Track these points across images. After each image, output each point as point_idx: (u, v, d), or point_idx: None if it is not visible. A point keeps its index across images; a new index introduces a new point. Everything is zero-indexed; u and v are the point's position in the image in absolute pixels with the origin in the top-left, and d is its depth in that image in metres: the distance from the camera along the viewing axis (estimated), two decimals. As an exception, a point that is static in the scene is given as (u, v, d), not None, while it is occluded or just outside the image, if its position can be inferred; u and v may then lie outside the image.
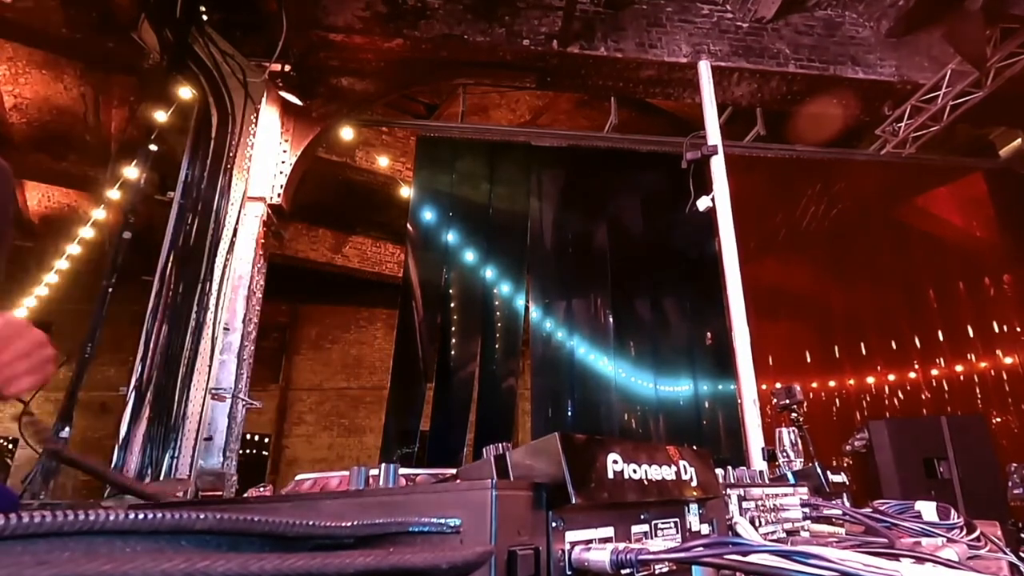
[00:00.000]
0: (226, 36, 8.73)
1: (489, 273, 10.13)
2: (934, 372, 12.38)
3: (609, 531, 1.02)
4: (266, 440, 21.17)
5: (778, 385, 3.94)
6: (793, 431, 3.12)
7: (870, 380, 13.09)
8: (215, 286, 8.05)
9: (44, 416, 17.18)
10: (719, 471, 1.61)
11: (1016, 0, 8.33)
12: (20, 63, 11.11)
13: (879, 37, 9.87)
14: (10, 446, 17.94)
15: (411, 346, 9.54)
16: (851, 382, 13.26)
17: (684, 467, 1.20)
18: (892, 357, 12.72)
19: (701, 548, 0.91)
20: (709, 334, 10.05)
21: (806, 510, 1.87)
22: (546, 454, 0.97)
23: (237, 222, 8.38)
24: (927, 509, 2.01)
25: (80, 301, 14.80)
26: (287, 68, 8.88)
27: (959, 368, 12.19)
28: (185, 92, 8.93)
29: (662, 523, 1.13)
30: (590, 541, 0.97)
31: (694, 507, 1.23)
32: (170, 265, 8.00)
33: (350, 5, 8.87)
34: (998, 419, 11.31)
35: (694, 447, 1.28)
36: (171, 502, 1.64)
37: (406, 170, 13.70)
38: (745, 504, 1.61)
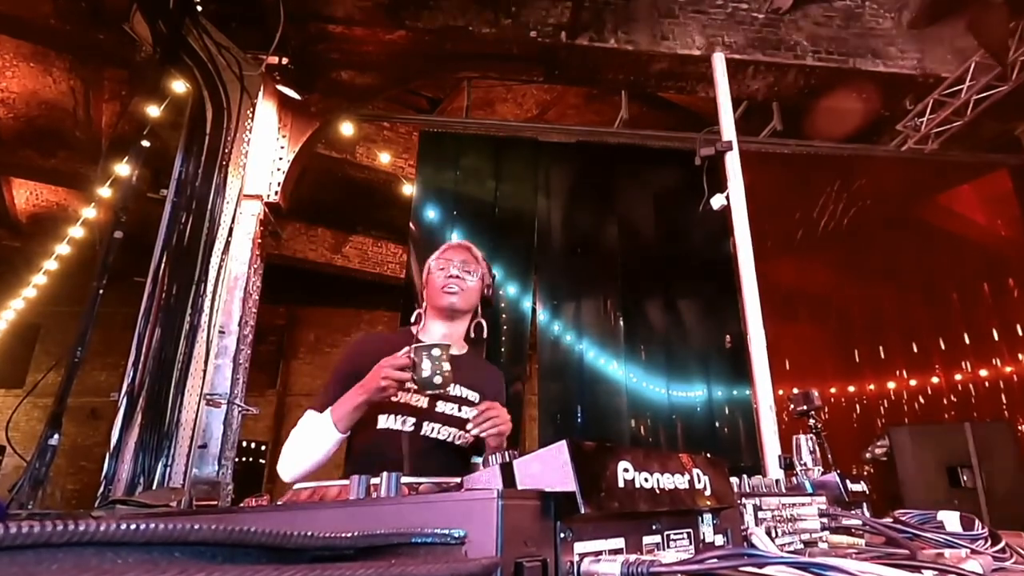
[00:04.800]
0: (221, 28, 8.73)
1: (494, 274, 10.10)
2: (958, 377, 12.36)
3: (619, 542, 1.02)
4: (263, 447, 21.20)
5: (795, 390, 3.94)
6: (811, 438, 3.11)
7: (891, 385, 13.08)
8: (210, 287, 8.04)
9: (33, 422, 17.23)
10: (734, 480, 1.61)
11: (1043, -10, 8.33)
12: (7, 56, 11.13)
13: (900, 28, 9.85)
14: (-3, 454, 17.94)
15: (414, 350, 9.52)
16: (871, 387, 13.26)
17: (697, 475, 1.20)
18: (914, 361, 12.71)
19: (715, 560, 0.91)
20: (728, 337, 10.01)
21: (824, 520, 1.87)
22: (554, 462, 0.97)
23: (233, 221, 8.37)
24: (950, 519, 2.01)
25: (69, 303, 14.87)
26: (285, 61, 8.88)
27: (983, 373, 12.17)
28: (179, 86, 8.93)
29: (674, 534, 1.13)
30: (600, 552, 0.97)
31: (708, 517, 1.23)
32: (163, 266, 7.99)
33: (350, -5, 8.89)
34: (1024, 425, 11.30)
35: (708, 455, 1.28)
36: (165, 512, 1.65)
37: (408, 167, 13.71)
38: (761, 514, 1.61)
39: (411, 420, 3.08)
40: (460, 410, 3.17)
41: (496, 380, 3.55)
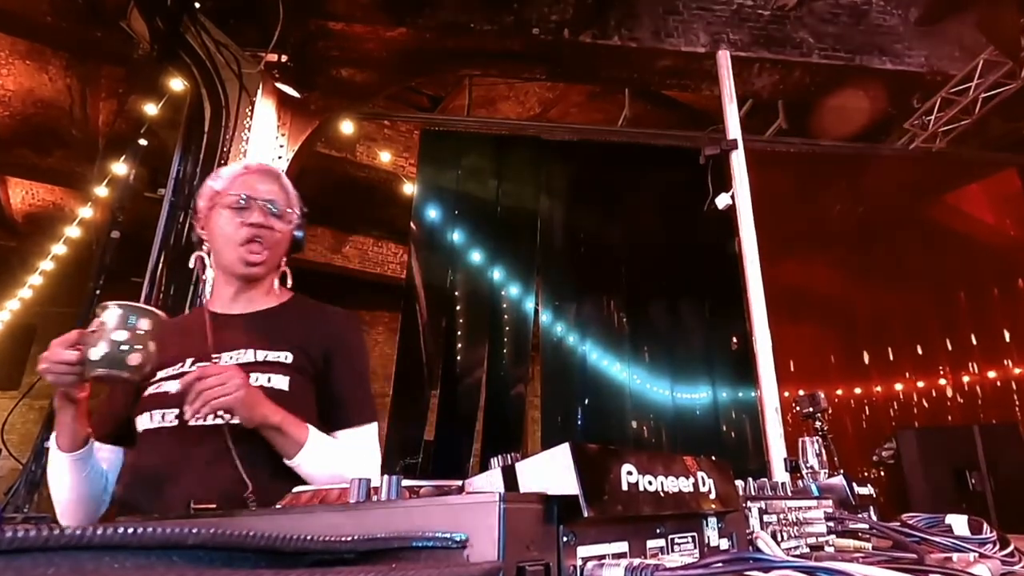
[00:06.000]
0: (220, 25, 8.71)
1: (497, 274, 10.10)
2: (966, 379, 12.35)
3: (623, 546, 1.02)
4: (261, 450, 21.18)
5: (801, 392, 3.94)
6: (817, 441, 3.10)
7: (898, 387, 13.08)
8: (208, 288, 8.02)
9: (29, 425, 17.23)
10: (739, 483, 1.61)
11: (1053, -14, 8.31)
12: (2, 53, 11.12)
13: (908, 26, 9.83)
14: (-8, 456, 17.92)
15: (415, 351, 9.52)
16: (878, 389, 13.25)
17: (702, 479, 1.20)
18: (922, 363, 12.70)
19: (720, 564, 0.91)
20: (734, 339, 10.00)
21: (831, 524, 1.87)
22: (557, 465, 0.97)
23: (231, 220, 8.34)
24: (958, 523, 2.00)
25: (66, 304, 14.80)
26: (284, 58, 8.87)
27: (992, 374, 12.16)
28: (177, 84, 8.92)
29: (679, 538, 1.13)
30: (603, 556, 0.97)
31: (713, 521, 1.23)
32: (161, 266, 7.97)
33: (350, -9, 8.88)
34: (1034, 428, 11.28)
35: (713, 457, 1.28)
36: (162, 515, 1.65)
37: (409, 166, 13.70)
38: (766, 517, 1.61)
39: (171, 412, 2.28)
40: (255, 381, 2.26)
41: (328, 329, 2.61)
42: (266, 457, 2.23)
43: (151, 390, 2.34)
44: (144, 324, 1.95)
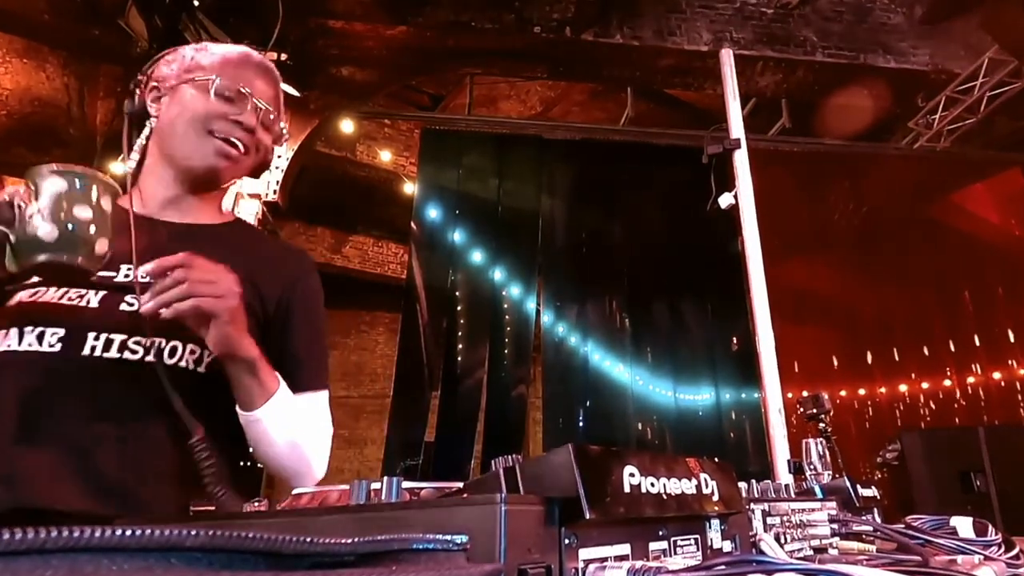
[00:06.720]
0: (219, 23, 8.69)
1: (498, 274, 10.09)
2: (970, 380, 12.34)
3: (625, 548, 1.01)
4: (261, 451, 21.08)
5: (805, 393, 3.93)
6: (821, 442, 3.10)
7: (903, 388, 13.06)
8: None
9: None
10: (742, 484, 1.61)
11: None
12: (0, 51, 11.12)
13: (912, 24, 9.83)
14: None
15: (415, 352, 9.51)
16: (882, 390, 13.24)
17: (705, 480, 1.19)
18: (926, 364, 12.69)
19: (723, 566, 0.91)
20: (735, 339, 10.00)
21: (835, 526, 1.86)
22: (559, 467, 0.97)
23: (230, 220, 8.32)
24: (963, 525, 2.00)
25: (64, 304, 14.78)
26: (283, 57, 8.85)
27: (997, 375, 12.14)
28: (175, 83, 8.91)
29: (682, 540, 1.13)
30: (605, 559, 0.97)
31: (716, 523, 1.22)
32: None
33: (350, -11, 8.86)
34: (1039, 429, 11.26)
35: (715, 459, 1.28)
36: (161, 517, 1.63)
37: (410, 165, 13.71)
38: (770, 520, 1.60)
39: (56, 332, 1.69)
40: None
41: (287, 269, 2.16)
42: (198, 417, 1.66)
43: (21, 296, 1.74)
44: (106, 201, 1.48)
